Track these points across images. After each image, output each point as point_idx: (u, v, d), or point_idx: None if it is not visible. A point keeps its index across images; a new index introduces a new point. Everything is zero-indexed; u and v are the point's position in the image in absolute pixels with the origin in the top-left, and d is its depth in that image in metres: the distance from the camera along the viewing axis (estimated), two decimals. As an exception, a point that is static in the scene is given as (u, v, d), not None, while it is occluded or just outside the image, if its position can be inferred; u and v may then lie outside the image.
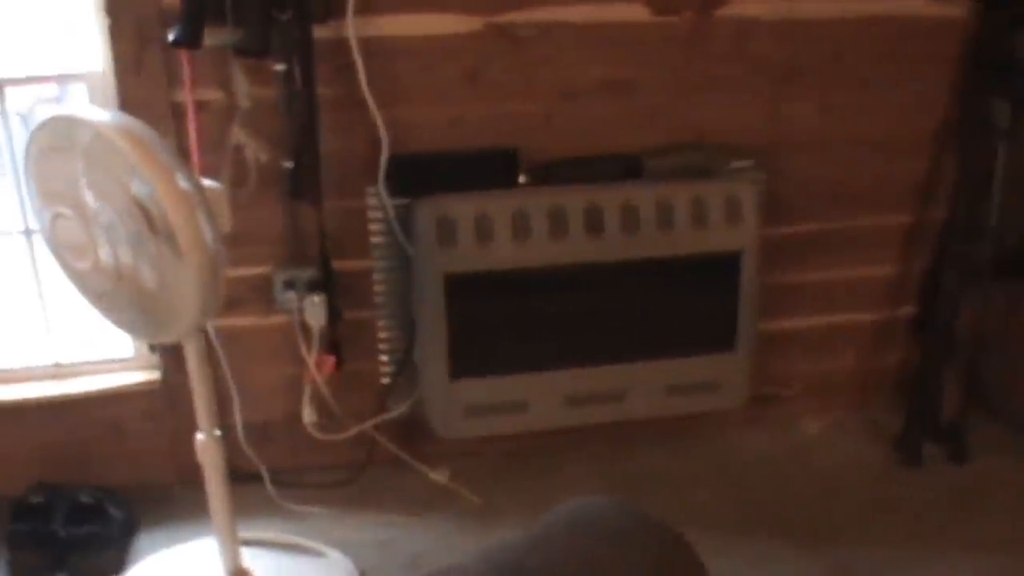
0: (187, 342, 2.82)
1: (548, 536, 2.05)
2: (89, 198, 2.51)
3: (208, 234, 2.47)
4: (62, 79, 3.40)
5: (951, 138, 3.84)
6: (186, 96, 3.23)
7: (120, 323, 2.78)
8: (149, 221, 2.45)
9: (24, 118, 3.30)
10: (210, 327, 3.43)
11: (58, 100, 3.59)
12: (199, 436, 2.94)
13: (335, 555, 3.37)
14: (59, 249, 2.69)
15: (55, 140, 2.53)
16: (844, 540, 3.48)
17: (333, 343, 3.57)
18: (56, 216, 2.60)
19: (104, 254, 2.56)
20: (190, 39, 3.07)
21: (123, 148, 2.40)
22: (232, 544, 3.10)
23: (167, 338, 2.82)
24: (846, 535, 3.51)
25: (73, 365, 3.65)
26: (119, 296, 2.64)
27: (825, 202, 3.85)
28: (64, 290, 2.82)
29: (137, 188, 2.43)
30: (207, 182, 2.62)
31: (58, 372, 3.63)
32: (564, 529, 2.08)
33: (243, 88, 3.25)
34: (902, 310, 4.12)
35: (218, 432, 2.96)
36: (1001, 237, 3.82)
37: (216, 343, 3.51)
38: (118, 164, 2.43)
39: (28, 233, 3.46)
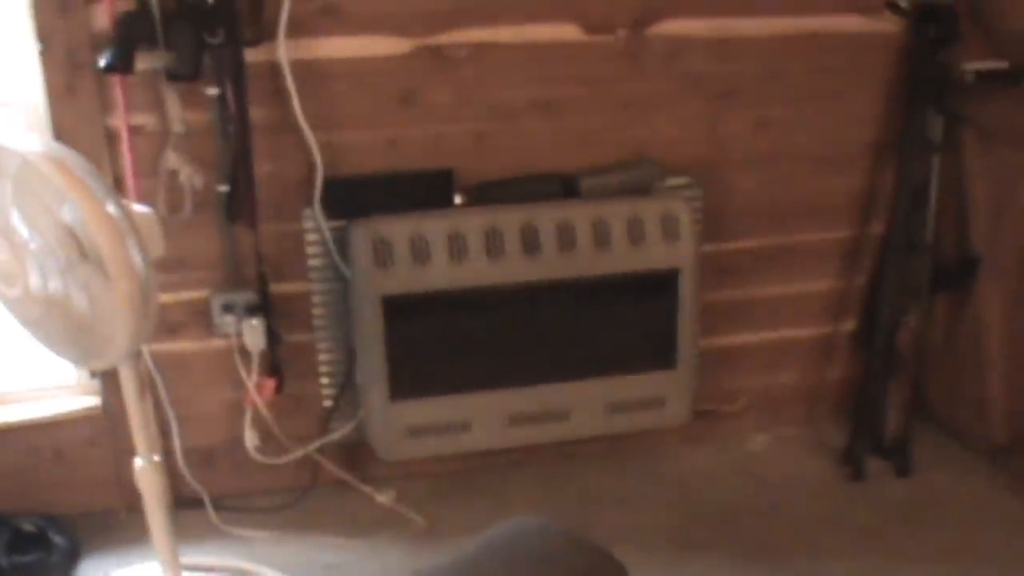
0: (122, 368, 2.81)
1: (477, 560, 2.06)
2: (18, 225, 2.50)
3: (138, 259, 2.45)
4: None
5: (887, 153, 3.87)
6: (120, 121, 3.23)
7: (54, 350, 2.77)
8: (79, 247, 2.44)
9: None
10: (146, 352, 3.42)
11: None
12: (137, 462, 2.93)
13: (278, 578, 3.37)
14: None
15: None
16: (790, 556, 3.48)
17: (273, 366, 3.56)
18: None
19: (34, 281, 2.54)
20: (121, 64, 3.07)
21: (50, 175, 2.39)
22: (174, 569, 3.07)
23: (101, 364, 2.81)
24: (792, 551, 3.51)
25: (12, 392, 3.62)
26: (51, 323, 2.62)
27: (764, 218, 3.87)
28: (2, 317, 2.81)
29: (66, 215, 2.42)
30: (138, 207, 2.61)
31: (-2, 399, 3.62)
32: (494, 552, 2.09)
33: (176, 112, 3.24)
34: (844, 325, 4.13)
35: (157, 458, 2.94)
36: (938, 250, 3.86)
37: (154, 368, 3.49)
38: (46, 191, 2.42)
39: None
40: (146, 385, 2.94)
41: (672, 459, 4.03)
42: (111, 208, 2.42)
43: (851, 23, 3.68)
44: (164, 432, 3.49)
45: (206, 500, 3.62)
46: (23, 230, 2.50)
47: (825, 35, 3.67)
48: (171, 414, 3.57)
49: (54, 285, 2.52)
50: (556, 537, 2.17)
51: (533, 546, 2.12)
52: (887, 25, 3.71)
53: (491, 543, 2.14)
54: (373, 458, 3.71)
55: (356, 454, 3.80)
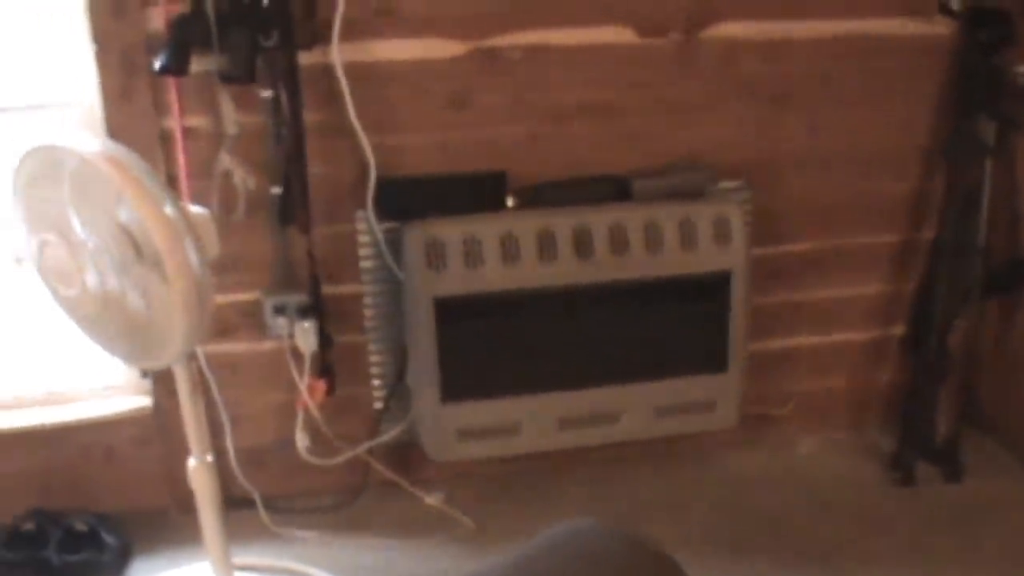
0: (176, 368, 2.83)
1: (533, 560, 2.05)
2: (76, 225, 2.51)
3: (195, 260, 2.47)
4: (50, 108, 3.39)
5: (938, 157, 3.85)
6: (174, 123, 3.25)
7: (109, 349, 2.79)
8: (135, 247, 2.46)
9: (11, 147, 3.30)
10: (200, 353, 3.43)
11: (44, 130, 3.58)
12: (191, 462, 2.95)
13: (328, 579, 3.37)
14: (47, 276, 2.68)
15: (42, 168, 2.53)
16: (839, 560, 3.47)
17: (325, 368, 3.56)
18: (43, 243, 2.60)
19: (91, 280, 2.56)
20: (176, 66, 3.08)
21: (108, 175, 2.41)
22: (226, 570, 3.10)
23: (155, 364, 2.81)
24: (841, 555, 3.50)
25: (64, 392, 3.65)
26: (107, 322, 2.64)
27: (815, 221, 3.85)
28: (55, 318, 2.83)
29: (123, 215, 2.44)
30: (194, 208, 2.63)
31: (49, 399, 3.63)
32: (549, 553, 2.08)
33: (230, 115, 3.26)
34: (894, 329, 4.11)
35: (210, 458, 2.96)
36: (989, 254, 3.83)
37: (207, 369, 3.51)
38: (104, 191, 2.44)
39: (19, 260, 3.45)
40: (199, 385, 2.94)
41: (720, 462, 4.02)
42: (168, 208, 2.44)
43: (902, 26, 3.66)
44: (216, 432, 3.48)
45: (257, 500, 3.64)
46: (80, 229, 2.52)
47: (876, 38, 3.65)
48: (223, 415, 3.58)
49: (111, 284, 2.54)
50: (613, 537, 2.16)
51: (589, 546, 2.11)
52: (938, 28, 3.68)
53: (546, 543, 2.14)
54: (422, 460, 3.72)
55: (406, 456, 3.80)
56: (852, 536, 3.60)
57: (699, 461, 4.02)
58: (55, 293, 2.72)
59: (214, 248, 2.66)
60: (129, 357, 2.92)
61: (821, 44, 3.62)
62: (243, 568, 3.28)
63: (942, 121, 3.81)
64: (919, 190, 3.90)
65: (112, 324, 2.65)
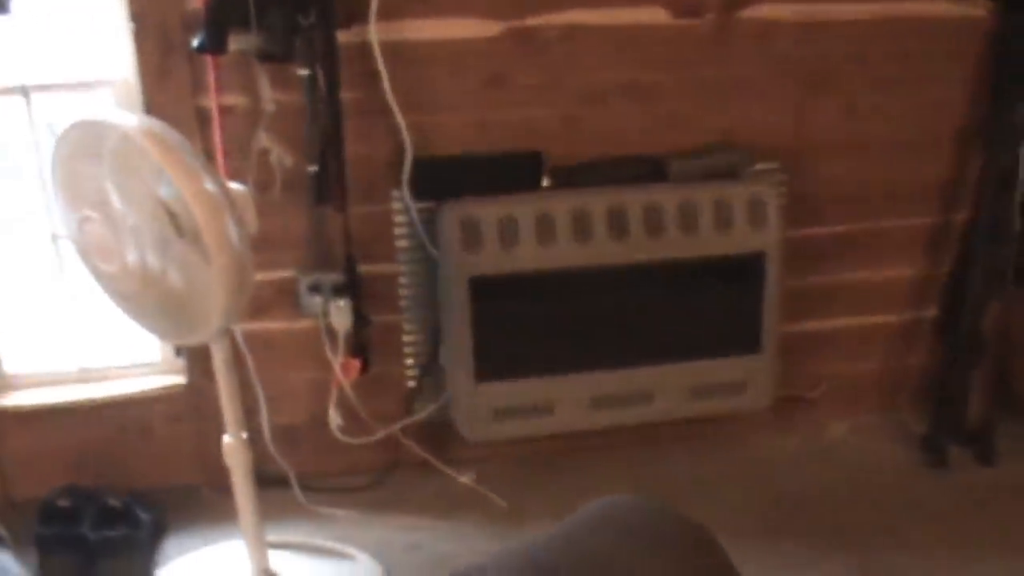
0: (214, 345, 2.84)
1: (574, 534, 2.05)
2: (116, 201, 2.53)
3: (235, 236, 2.48)
4: (88, 85, 3.40)
5: (975, 139, 3.84)
6: (211, 101, 3.26)
7: (147, 325, 2.80)
8: (175, 224, 2.47)
9: (50, 124, 3.31)
10: (237, 330, 3.44)
11: (84, 106, 3.60)
12: (226, 439, 2.96)
13: (362, 558, 3.38)
14: (86, 252, 2.70)
15: (82, 144, 2.54)
16: (871, 543, 3.47)
17: (359, 347, 3.57)
18: (83, 219, 2.62)
19: (131, 257, 2.58)
20: (214, 45, 3.08)
21: (150, 151, 2.42)
22: (260, 547, 3.12)
23: (193, 340, 2.82)
24: (873, 537, 3.49)
25: (99, 369, 3.66)
26: (146, 299, 2.66)
27: (850, 203, 3.85)
28: (91, 295, 2.84)
29: (164, 191, 2.45)
30: (233, 184, 2.64)
31: (84, 376, 3.65)
32: (590, 527, 2.08)
33: (267, 93, 3.28)
34: (926, 312, 4.10)
35: (245, 435, 2.98)
36: (1024, 238, 3.82)
37: (243, 346, 3.52)
38: (145, 167, 2.45)
39: (55, 238, 3.47)
40: (234, 363, 2.94)
41: (752, 444, 4.03)
42: (209, 185, 2.45)
43: (939, 8, 3.65)
44: (250, 410, 3.46)
45: (291, 478, 3.65)
46: (120, 206, 2.53)
47: (914, 19, 3.64)
48: (258, 392, 3.59)
49: (151, 261, 2.56)
50: (655, 512, 2.16)
51: (633, 520, 2.11)
52: (977, 10, 3.67)
53: (587, 517, 2.14)
54: (455, 439, 3.73)
55: (438, 435, 3.81)
56: (884, 519, 3.60)
57: (731, 443, 4.02)
58: (94, 270, 2.73)
59: (253, 225, 2.68)
60: (166, 334, 2.94)
61: (858, 25, 3.61)
62: (276, 545, 3.27)
63: (978, 104, 3.80)
64: (954, 173, 3.89)
65: (150, 301, 2.66)
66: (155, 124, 2.52)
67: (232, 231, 2.48)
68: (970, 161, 3.87)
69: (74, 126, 2.56)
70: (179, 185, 2.42)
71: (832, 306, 4.02)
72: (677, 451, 3.96)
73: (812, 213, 3.82)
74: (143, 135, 2.45)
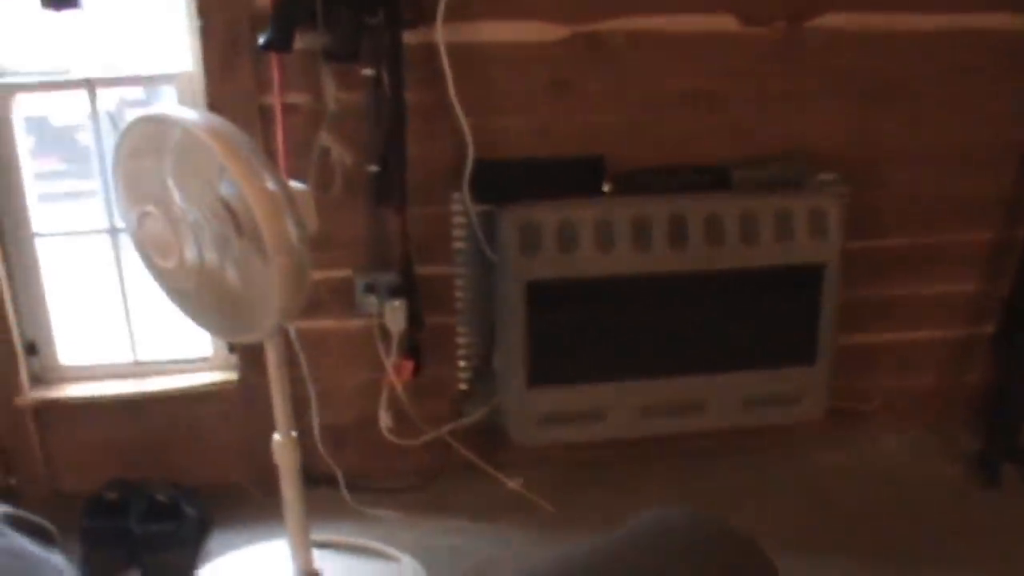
0: (268, 343, 2.83)
1: (623, 545, 2.03)
2: (176, 197, 2.52)
3: (294, 235, 2.47)
4: (151, 80, 3.40)
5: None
6: (274, 99, 3.25)
7: (202, 323, 2.79)
8: (235, 221, 2.45)
9: (113, 118, 3.31)
10: (291, 328, 3.43)
11: (146, 101, 3.60)
12: (276, 437, 2.95)
13: (406, 559, 3.36)
14: (145, 248, 2.69)
15: (145, 139, 2.54)
16: (920, 560, 3.43)
17: (412, 348, 3.57)
18: (143, 215, 2.60)
19: (189, 253, 2.57)
20: (280, 43, 3.08)
21: (212, 147, 2.41)
22: (304, 546, 3.11)
23: (248, 338, 2.81)
24: (922, 555, 3.45)
25: (153, 364, 3.67)
26: (203, 295, 2.64)
27: (910, 217, 3.81)
28: (146, 289, 2.83)
29: (224, 188, 2.43)
30: (294, 183, 2.62)
31: (138, 370, 3.65)
32: (637, 540, 2.06)
33: (331, 92, 3.26)
34: (984, 327, 4.06)
35: (295, 434, 2.97)
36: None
37: (296, 344, 3.51)
38: (206, 163, 2.43)
39: (113, 232, 3.48)
40: (287, 361, 2.93)
41: (804, 456, 3.99)
42: (270, 183, 2.44)
43: (1004, 20, 3.60)
44: (301, 409, 3.47)
45: (339, 478, 3.64)
46: (181, 202, 2.52)
47: (978, 32, 3.60)
48: (310, 391, 3.58)
49: (209, 258, 2.54)
50: (706, 526, 2.13)
51: (683, 534, 2.09)
52: (1043, 24, 3.65)
53: (640, 528, 2.11)
54: (503, 443, 3.71)
55: (487, 439, 3.79)
56: (933, 536, 3.56)
57: (782, 454, 3.99)
58: (151, 265, 2.72)
59: (313, 225, 2.65)
60: (221, 331, 2.93)
61: (925, 37, 3.57)
62: (321, 545, 3.28)
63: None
64: (1018, 188, 3.84)
65: (207, 298, 2.65)
66: (218, 121, 2.51)
67: (292, 231, 2.46)
68: (1035, 177, 3.83)
69: (137, 121, 2.55)
70: (240, 183, 2.40)
71: (888, 319, 3.99)
72: (727, 461, 3.94)
73: (872, 225, 3.78)
74: (206, 132, 2.43)
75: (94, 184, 3.45)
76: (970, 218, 3.87)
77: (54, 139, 4.29)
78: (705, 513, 2.17)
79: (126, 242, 2.90)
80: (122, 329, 3.64)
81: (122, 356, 3.66)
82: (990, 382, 4.09)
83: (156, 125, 2.51)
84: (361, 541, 3.45)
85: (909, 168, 3.74)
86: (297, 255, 2.48)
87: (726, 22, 3.44)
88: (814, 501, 3.75)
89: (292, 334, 3.47)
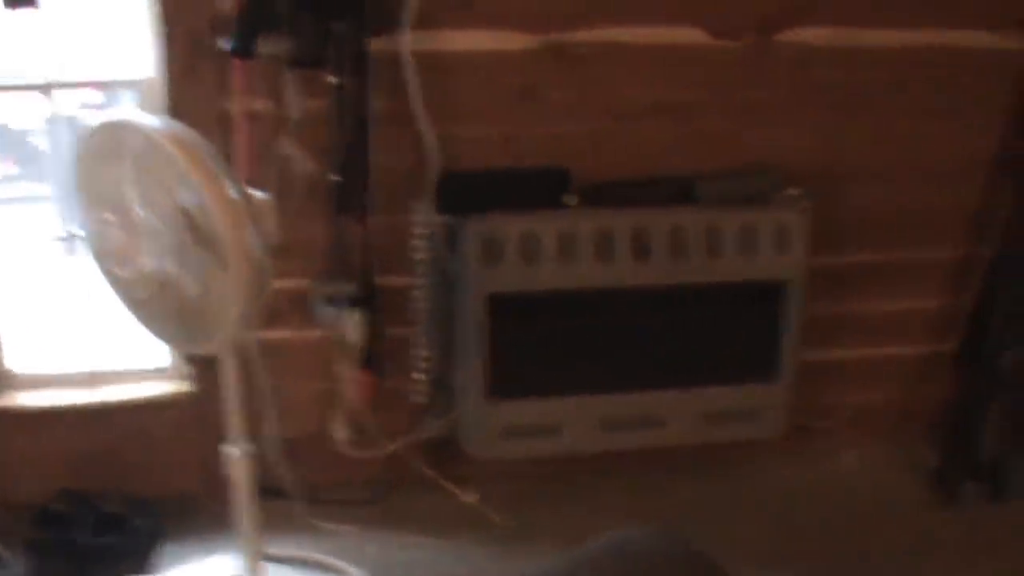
0: (225, 355, 2.78)
1: (583, 567, 2.02)
2: (136, 205, 2.46)
3: (255, 245, 2.43)
4: (111, 85, 3.36)
5: (1005, 171, 3.80)
6: (236, 105, 3.19)
7: (159, 333, 2.74)
8: (195, 230, 2.40)
9: (70, 122, 3.27)
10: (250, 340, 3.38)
11: (105, 105, 3.56)
12: (231, 451, 2.90)
13: (359, 575, 3.35)
14: (102, 256, 2.64)
15: (105, 145, 2.48)
16: (879, 576, 3.44)
17: (370, 360, 3.51)
18: (101, 222, 2.55)
19: (148, 262, 2.52)
20: (244, 48, 3.03)
21: (173, 155, 2.36)
22: (257, 561, 3.06)
23: (206, 350, 2.77)
24: (883, 572, 3.49)
25: (106, 373, 3.61)
26: (160, 305, 2.59)
27: (875, 232, 3.81)
28: (101, 298, 2.78)
29: (184, 196, 2.38)
30: (256, 192, 2.57)
31: (91, 379, 3.59)
32: (600, 560, 2.05)
33: (294, 99, 3.20)
34: (946, 344, 4.06)
35: (250, 447, 2.92)
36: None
37: (253, 355, 3.45)
38: (167, 171, 2.38)
39: (69, 238, 3.42)
40: (244, 373, 2.90)
41: (763, 472, 3.99)
42: (231, 192, 2.39)
43: (978, 39, 3.60)
44: (256, 420, 3.41)
45: (294, 491, 3.58)
46: (140, 210, 2.47)
47: (949, 50, 3.59)
48: (267, 402, 3.52)
49: (168, 267, 2.49)
50: (667, 547, 2.12)
51: (643, 556, 2.08)
52: (1011, 42, 3.63)
53: (596, 551, 2.10)
54: (461, 457, 3.68)
55: (444, 452, 3.75)
56: (893, 552, 3.58)
57: (742, 470, 3.98)
58: (108, 274, 2.67)
59: (274, 235, 2.60)
60: (179, 342, 2.89)
61: (894, 53, 3.56)
62: (273, 559, 3.26)
63: (1010, 137, 3.76)
64: (983, 206, 3.85)
65: (165, 308, 2.59)
66: (180, 128, 2.46)
67: (252, 240, 2.42)
68: (999, 194, 3.83)
69: (98, 127, 2.50)
70: (201, 191, 2.36)
71: (851, 335, 3.99)
72: (687, 477, 3.92)
73: (837, 240, 3.78)
74: (167, 138, 2.39)
75: (49, 188, 3.40)
76: (933, 234, 3.88)
77: (9, 142, 4.26)
78: (668, 533, 2.15)
79: (81, 249, 2.85)
80: (76, 337, 3.58)
81: (75, 365, 3.60)
82: (951, 399, 4.08)
83: (116, 131, 2.46)
84: (315, 556, 3.43)
85: (874, 183, 3.74)
86: (257, 266, 2.44)
87: (695, 35, 3.42)
88: (774, 517, 3.75)
89: (250, 346, 3.41)
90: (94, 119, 2.53)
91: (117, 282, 2.67)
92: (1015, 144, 3.76)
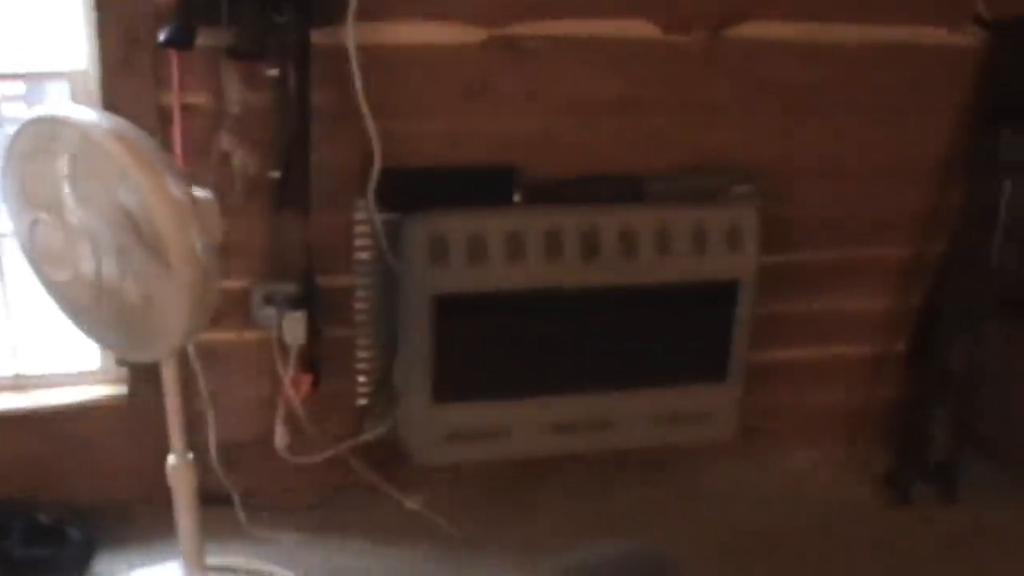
0: (166, 362, 2.69)
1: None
2: (72, 204, 2.38)
3: (200, 246, 2.35)
4: (40, 77, 3.27)
5: (957, 170, 3.77)
6: (173, 99, 3.10)
7: (98, 339, 2.69)
8: (136, 231, 2.32)
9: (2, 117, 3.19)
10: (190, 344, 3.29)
11: (31, 98, 3.46)
12: (171, 459, 2.83)
13: (301, 584, 3.27)
14: (37, 258, 2.56)
15: (38, 141, 2.41)
16: (831, 580, 3.43)
17: (311, 362, 3.44)
18: (35, 222, 2.47)
19: (85, 265, 2.43)
20: (182, 39, 2.93)
21: (112, 151, 2.29)
22: (198, 570, 3.00)
23: (148, 357, 2.70)
24: (834, 574, 3.48)
25: (35, 377, 3.52)
26: (99, 311, 2.51)
27: (825, 230, 3.78)
28: (29, 297, 2.69)
29: (125, 195, 2.30)
30: (199, 191, 2.48)
31: (18, 383, 3.50)
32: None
33: (233, 93, 3.11)
34: (896, 344, 4.04)
35: (191, 456, 2.86)
36: (1002, 273, 3.74)
37: (195, 359, 3.37)
38: (106, 169, 2.31)
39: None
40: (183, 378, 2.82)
41: (712, 474, 3.94)
42: (175, 190, 2.31)
43: (930, 35, 3.57)
44: (195, 425, 3.32)
45: (234, 498, 3.51)
46: (76, 209, 2.39)
47: (902, 46, 3.56)
48: (206, 407, 3.44)
49: (107, 270, 2.41)
50: (641, 565, 2.08)
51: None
52: (966, 38, 3.60)
53: (569, 566, 2.06)
54: (405, 461, 3.60)
55: (388, 456, 3.67)
56: (845, 555, 3.56)
57: (691, 472, 3.93)
58: (43, 277, 2.60)
59: (218, 234, 2.52)
60: (119, 349, 2.82)
61: (846, 50, 3.52)
62: (214, 568, 3.15)
63: (962, 135, 3.74)
64: (934, 204, 3.83)
65: (104, 313, 2.51)
66: (118, 123, 2.39)
67: (197, 241, 2.34)
68: (950, 193, 3.81)
69: (31, 122, 2.43)
70: (142, 189, 2.27)
71: (799, 335, 3.95)
72: (636, 479, 3.87)
73: (785, 239, 3.72)
74: (105, 134, 2.32)
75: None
76: (886, 233, 3.85)
77: None
78: (643, 550, 2.10)
79: (8, 246, 2.76)
80: (3, 340, 3.48)
81: (2, 368, 3.50)
82: (902, 399, 4.08)
83: (50, 126, 2.38)
84: (256, 565, 3.35)
85: (825, 181, 3.70)
86: (202, 268, 2.37)
87: (646, 29, 3.35)
88: (720, 520, 3.71)
89: (190, 348, 3.32)
90: (29, 114, 2.46)
91: (53, 287, 2.59)
92: (967, 142, 3.74)
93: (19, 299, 3.34)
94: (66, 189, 2.37)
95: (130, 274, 2.38)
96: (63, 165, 2.36)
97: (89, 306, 2.52)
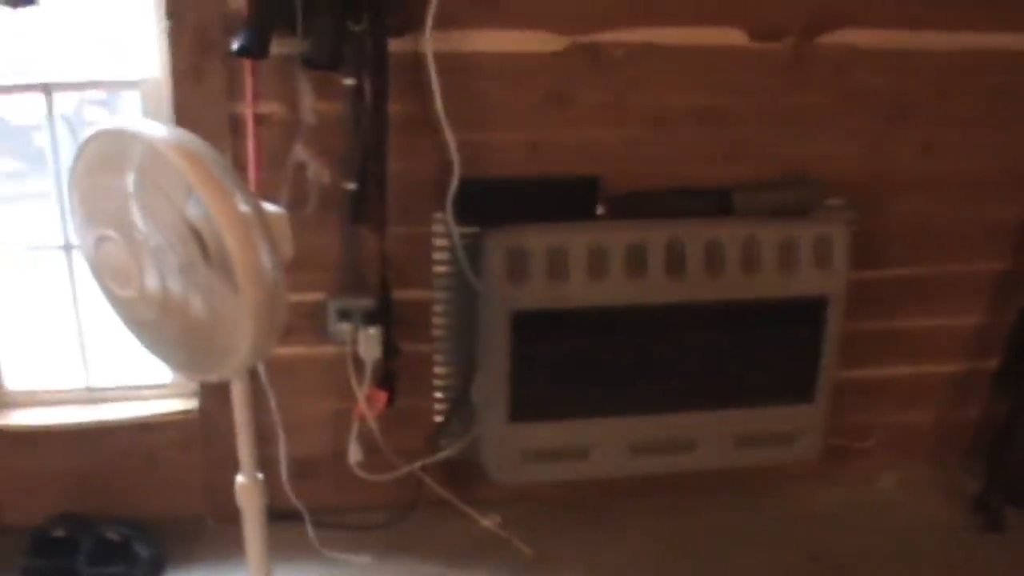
0: (236, 380, 2.61)
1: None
2: (138, 220, 2.30)
3: (268, 264, 2.25)
4: (114, 85, 3.22)
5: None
6: (246, 109, 3.05)
7: (163, 357, 2.59)
8: (203, 248, 2.23)
9: (70, 122, 3.13)
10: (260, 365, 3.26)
11: (107, 105, 3.42)
12: (239, 479, 2.75)
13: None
14: (102, 274, 2.48)
15: (105, 155, 2.32)
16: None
17: (386, 378, 3.38)
18: (100, 239, 2.39)
19: (151, 282, 2.35)
20: (256, 48, 2.87)
21: (179, 166, 2.19)
22: (268, 592, 2.91)
23: (214, 376, 2.60)
24: None
25: (106, 390, 3.50)
26: (164, 328, 2.43)
27: (917, 245, 3.67)
28: (101, 310, 2.63)
29: (192, 211, 2.22)
30: (269, 206, 2.40)
31: (90, 397, 3.49)
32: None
33: (308, 103, 3.06)
34: (987, 363, 3.93)
35: (260, 475, 2.76)
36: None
37: (265, 376, 3.34)
38: (172, 183, 2.22)
39: (68, 248, 3.31)
40: (253, 395, 2.75)
41: (796, 496, 3.87)
42: (243, 206, 2.22)
43: (1024, 41, 3.49)
44: (266, 440, 3.31)
45: (304, 515, 3.46)
46: (142, 225, 2.30)
47: (998, 54, 3.44)
48: (277, 423, 3.40)
49: (172, 287, 2.32)
50: None
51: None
52: (1066, 46, 3.50)
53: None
54: (479, 480, 3.55)
55: (462, 475, 3.64)
56: None
57: (773, 494, 3.86)
58: (109, 294, 2.51)
59: (289, 251, 2.43)
60: (185, 367, 2.71)
61: (941, 57, 3.40)
62: (284, 589, 3.08)
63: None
64: (1028, 217, 3.73)
65: (170, 331, 2.43)
66: (186, 136, 2.30)
67: (265, 258, 2.25)
68: (1049, 205, 3.71)
69: (97, 135, 2.34)
70: (210, 206, 2.19)
71: (888, 353, 3.85)
72: (716, 501, 3.80)
73: (878, 254, 3.63)
74: (172, 148, 2.22)
75: (49, 196, 3.26)
76: (979, 248, 3.73)
77: (12, 139, 4.20)
78: None
79: (79, 258, 2.71)
80: (74, 352, 3.46)
81: (74, 381, 3.49)
82: (992, 420, 3.95)
83: (117, 140, 2.30)
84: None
85: (920, 194, 3.59)
86: (271, 287, 2.27)
87: (734, 36, 3.26)
88: (803, 543, 3.63)
89: (260, 366, 3.27)
90: (95, 127, 2.35)
91: (118, 302, 2.51)
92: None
93: (90, 310, 3.29)
94: (132, 204, 2.30)
95: (195, 292, 2.31)
96: (129, 180, 2.28)
97: (154, 323, 2.44)
